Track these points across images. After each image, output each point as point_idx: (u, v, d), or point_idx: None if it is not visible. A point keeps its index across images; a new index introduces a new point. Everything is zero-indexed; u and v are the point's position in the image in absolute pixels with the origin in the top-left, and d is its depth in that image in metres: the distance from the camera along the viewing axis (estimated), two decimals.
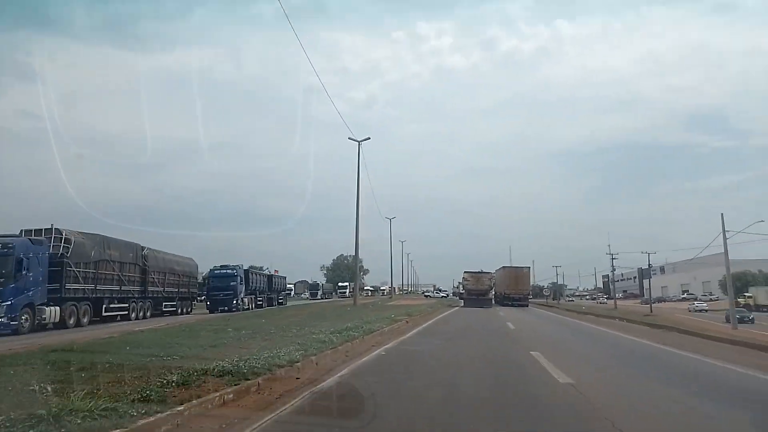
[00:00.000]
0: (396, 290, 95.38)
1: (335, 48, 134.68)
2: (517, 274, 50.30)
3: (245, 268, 38.79)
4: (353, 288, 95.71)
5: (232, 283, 34.67)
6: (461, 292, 53.67)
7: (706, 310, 51.95)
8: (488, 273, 48.90)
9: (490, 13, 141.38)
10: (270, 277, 46.39)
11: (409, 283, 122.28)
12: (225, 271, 35.78)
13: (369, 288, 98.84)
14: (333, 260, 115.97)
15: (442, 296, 78.39)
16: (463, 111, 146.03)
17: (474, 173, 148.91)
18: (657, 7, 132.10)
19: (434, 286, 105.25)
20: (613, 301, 63.38)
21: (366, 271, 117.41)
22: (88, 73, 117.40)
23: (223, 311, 32.90)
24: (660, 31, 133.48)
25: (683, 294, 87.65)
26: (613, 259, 59.03)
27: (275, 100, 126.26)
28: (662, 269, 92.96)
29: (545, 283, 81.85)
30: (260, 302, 40.72)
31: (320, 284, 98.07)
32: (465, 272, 48.96)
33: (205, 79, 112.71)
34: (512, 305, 45.92)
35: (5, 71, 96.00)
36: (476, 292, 46.55)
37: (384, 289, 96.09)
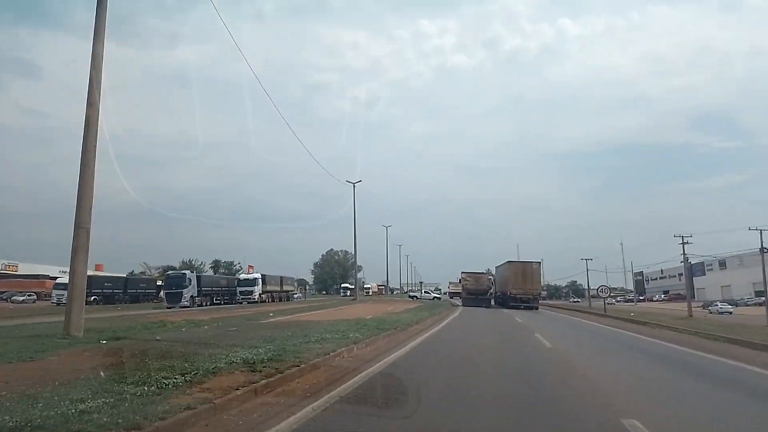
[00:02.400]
0: (384, 291, 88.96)
1: (337, 45, 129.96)
2: (525, 270, 42.58)
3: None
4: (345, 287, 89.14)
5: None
6: (458, 292, 53.03)
7: (730, 312, 46.27)
8: (486, 273, 49.14)
9: (494, 11, 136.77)
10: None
11: (408, 282, 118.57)
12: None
13: (367, 286, 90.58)
14: (322, 255, 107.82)
15: (434, 298, 63.15)
16: (465, 110, 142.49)
17: (477, 173, 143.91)
18: (662, 6, 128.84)
19: (421, 283, 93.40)
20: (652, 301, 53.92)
21: (359, 268, 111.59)
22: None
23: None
24: (664, 30, 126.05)
25: (756, 296, 60.32)
26: (684, 243, 37.57)
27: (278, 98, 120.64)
28: (722, 263, 69.26)
29: (561, 283, 72.91)
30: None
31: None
32: (463, 272, 48.11)
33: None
34: (519, 307, 40.16)
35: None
36: (475, 292, 45.63)
37: (368, 288, 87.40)
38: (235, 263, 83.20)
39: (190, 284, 40.57)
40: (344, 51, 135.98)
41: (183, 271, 45.04)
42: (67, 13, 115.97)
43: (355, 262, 60.27)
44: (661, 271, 76.27)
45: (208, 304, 42.24)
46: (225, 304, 44.99)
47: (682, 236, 35.07)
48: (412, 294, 68.66)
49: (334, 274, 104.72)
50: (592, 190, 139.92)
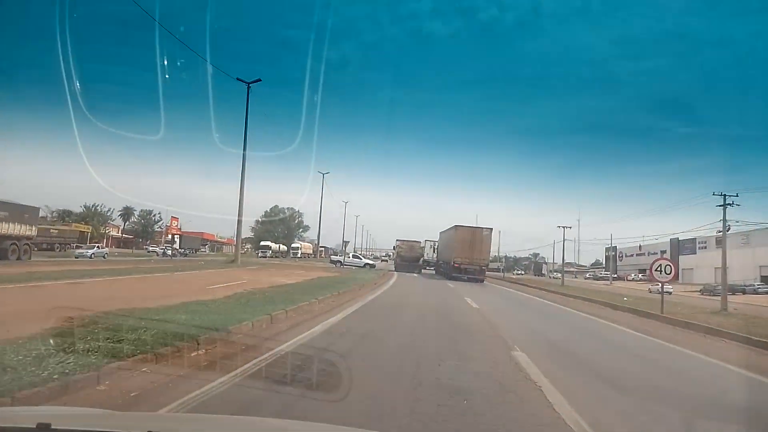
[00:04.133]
0: (317, 253, 79.64)
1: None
2: (474, 237, 37.28)
3: None
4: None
5: None
6: (385, 258, 59.21)
7: (670, 293, 36.38)
8: (419, 242, 51.62)
9: None
10: None
11: (362, 248, 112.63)
12: None
13: (296, 246, 79.97)
14: (266, 212, 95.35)
15: (366, 265, 48.17)
16: (439, 80, 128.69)
17: (448, 144, 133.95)
18: None
19: (348, 247, 76.89)
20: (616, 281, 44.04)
21: (306, 228, 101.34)
22: None
23: None
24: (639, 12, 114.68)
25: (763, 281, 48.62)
26: (726, 205, 24.48)
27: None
28: (719, 242, 52.53)
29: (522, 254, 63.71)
30: None
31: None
32: (398, 240, 51.62)
33: None
34: (463, 278, 35.68)
35: None
36: (408, 259, 48.32)
37: (297, 248, 77.05)
38: (154, 213, 71.06)
39: None
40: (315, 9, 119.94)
41: None
42: None
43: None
44: (639, 247, 67.57)
45: None
46: None
47: (724, 194, 23.42)
48: (334, 259, 52.94)
49: (277, 233, 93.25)
50: (557, 167, 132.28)
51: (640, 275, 60.98)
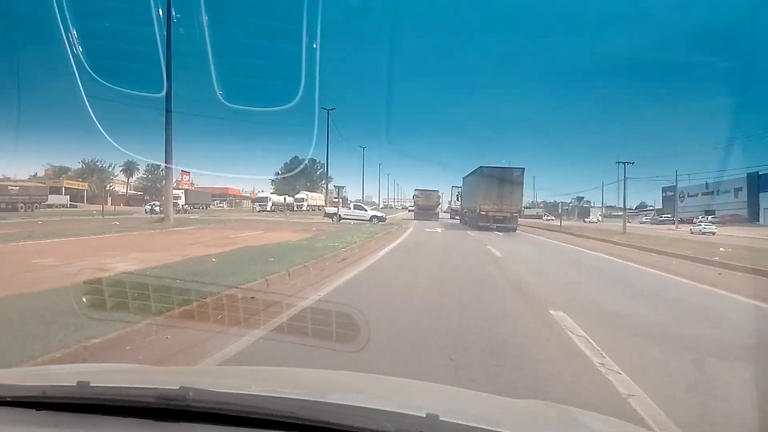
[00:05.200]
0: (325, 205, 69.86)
1: None
2: (503, 180, 31.19)
3: None
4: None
5: None
6: (412, 208, 58.09)
7: (714, 233, 35.69)
8: (436, 191, 52.46)
9: None
10: None
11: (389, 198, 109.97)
12: None
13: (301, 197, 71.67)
14: (285, 164, 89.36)
15: (373, 218, 36.91)
16: (466, 22, 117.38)
17: (475, 91, 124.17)
18: None
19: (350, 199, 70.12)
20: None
21: (330, 179, 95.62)
22: None
23: None
24: None
25: None
26: None
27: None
28: None
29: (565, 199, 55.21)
30: None
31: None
32: (416, 190, 52.59)
33: None
34: (492, 228, 30.40)
35: None
36: (425, 207, 49.78)
37: (302, 200, 67.84)
38: (160, 167, 66.30)
39: None
40: None
41: None
42: None
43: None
44: (706, 184, 56.94)
45: None
46: None
47: None
48: (329, 211, 41.17)
49: (298, 185, 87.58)
50: (588, 110, 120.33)
51: (709, 218, 51.05)
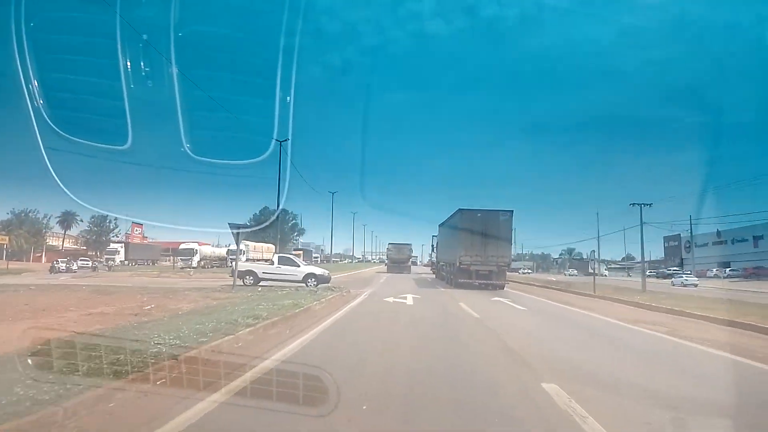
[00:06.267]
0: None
1: (310, 8, 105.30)
2: (487, 225, 24.98)
3: None
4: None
5: None
6: (384, 261, 60.08)
7: (696, 285, 36.73)
8: (408, 244, 53.59)
9: None
10: None
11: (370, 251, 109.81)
12: None
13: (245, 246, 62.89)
14: (254, 215, 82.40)
15: (307, 276, 22.80)
16: (443, 81, 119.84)
17: (454, 146, 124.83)
18: None
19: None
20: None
21: (302, 231, 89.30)
22: None
23: None
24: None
25: None
26: None
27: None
28: None
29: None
30: None
31: None
32: (389, 243, 54.40)
33: None
34: (474, 285, 24.42)
35: None
36: (397, 260, 50.55)
37: (244, 249, 56.59)
38: (109, 218, 59.22)
39: None
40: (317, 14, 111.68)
41: None
42: None
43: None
44: (718, 232, 50.22)
45: None
46: None
47: None
48: (241, 270, 22.34)
49: (267, 238, 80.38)
50: (566, 162, 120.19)
51: (726, 271, 43.92)
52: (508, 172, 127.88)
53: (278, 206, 75.05)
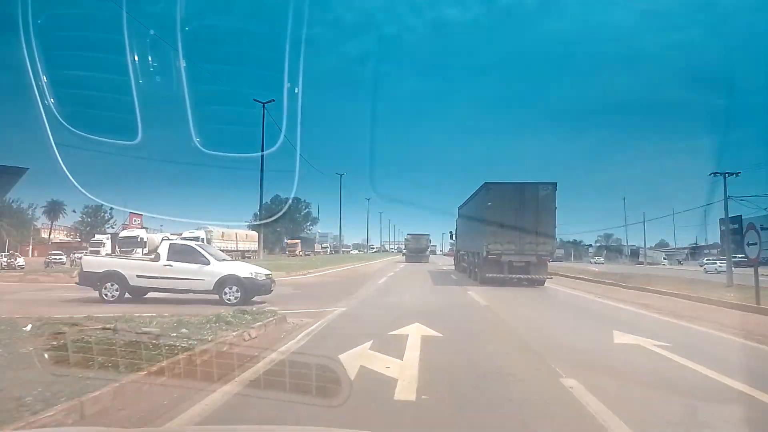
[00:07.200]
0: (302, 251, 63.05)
1: None
2: (522, 203, 19.23)
3: None
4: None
5: None
6: (403, 251, 63.08)
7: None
8: (426, 234, 55.82)
9: None
10: None
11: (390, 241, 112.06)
12: None
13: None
14: (265, 204, 76.82)
15: (212, 287, 12.64)
16: (460, 67, 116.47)
17: (473, 132, 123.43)
18: None
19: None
20: None
21: (315, 220, 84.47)
22: None
23: None
24: None
25: None
26: None
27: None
28: None
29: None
30: None
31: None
32: (408, 234, 57.07)
33: None
34: (509, 281, 19.33)
35: None
36: (416, 250, 52.40)
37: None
38: (104, 209, 55.00)
39: None
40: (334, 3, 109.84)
41: None
42: None
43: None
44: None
45: None
46: None
47: None
48: (91, 271, 13.22)
49: (279, 228, 75.29)
50: (591, 148, 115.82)
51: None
52: (532, 157, 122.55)
53: (271, 200, 70.43)
